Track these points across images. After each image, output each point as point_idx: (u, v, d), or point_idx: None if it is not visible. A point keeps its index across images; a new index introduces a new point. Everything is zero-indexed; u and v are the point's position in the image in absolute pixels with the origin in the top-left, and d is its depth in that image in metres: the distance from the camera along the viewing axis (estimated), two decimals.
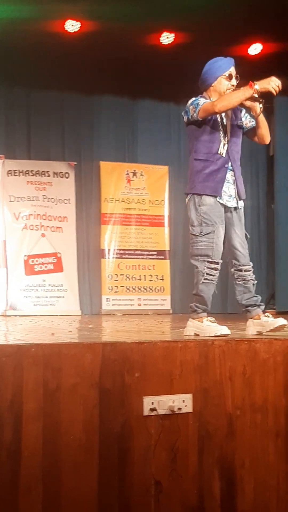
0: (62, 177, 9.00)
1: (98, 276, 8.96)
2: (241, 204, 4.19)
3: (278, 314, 8.52)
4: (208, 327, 3.91)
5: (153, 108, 9.57)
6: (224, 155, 4.09)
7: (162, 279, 9.19)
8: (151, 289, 9.12)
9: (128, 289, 8.99)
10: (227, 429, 3.25)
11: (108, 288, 8.88)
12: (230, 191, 4.12)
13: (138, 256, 9.12)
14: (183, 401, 3.15)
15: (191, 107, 4.08)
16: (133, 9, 7.50)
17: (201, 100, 4.07)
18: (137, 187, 9.20)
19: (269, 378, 3.38)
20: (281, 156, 9.03)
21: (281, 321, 3.90)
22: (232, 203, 4.13)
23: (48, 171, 8.95)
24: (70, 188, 9.02)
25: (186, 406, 3.15)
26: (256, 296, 4.19)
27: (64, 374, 2.96)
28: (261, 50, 8.55)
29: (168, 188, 9.36)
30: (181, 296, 9.39)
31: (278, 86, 3.96)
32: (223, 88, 4.11)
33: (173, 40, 8.21)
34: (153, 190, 9.28)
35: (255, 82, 3.95)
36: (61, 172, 9.01)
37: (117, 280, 8.95)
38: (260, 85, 3.95)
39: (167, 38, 8.19)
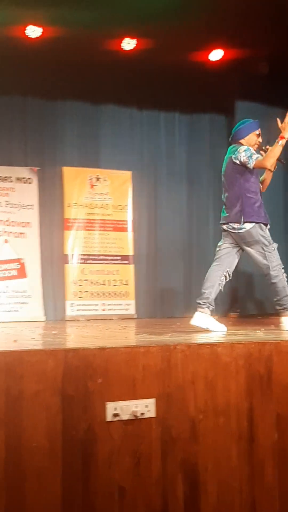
0: (25, 183, 8.93)
1: (62, 281, 8.92)
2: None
3: (240, 317, 8.67)
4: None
5: (115, 113, 9.55)
6: (259, 193, 5.31)
7: (126, 284, 9.19)
8: (115, 294, 9.12)
9: (92, 294, 8.98)
10: (190, 433, 3.27)
11: (72, 294, 8.85)
12: None
13: (102, 261, 9.11)
14: (146, 406, 3.16)
15: (244, 154, 5.14)
16: (94, 15, 7.51)
17: (254, 154, 5.15)
18: (100, 192, 9.19)
19: (231, 381, 3.41)
20: None
21: None
22: None
23: (10, 177, 8.87)
24: (33, 193, 8.95)
25: (149, 411, 3.16)
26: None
27: (26, 381, 2.95)
28: (222, 56, 8.63)
29: (131, 193, 9.37)
30: (145, 301, 9.39)
31: None
32: (252, 142, 5.29)
33: (135, 45, 8.25)
34: (116, 195, 9.29)
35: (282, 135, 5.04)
36: (24, 178, 8.93)
37: (81, 286, 8.92)
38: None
39: (128, 43, 8.23)
